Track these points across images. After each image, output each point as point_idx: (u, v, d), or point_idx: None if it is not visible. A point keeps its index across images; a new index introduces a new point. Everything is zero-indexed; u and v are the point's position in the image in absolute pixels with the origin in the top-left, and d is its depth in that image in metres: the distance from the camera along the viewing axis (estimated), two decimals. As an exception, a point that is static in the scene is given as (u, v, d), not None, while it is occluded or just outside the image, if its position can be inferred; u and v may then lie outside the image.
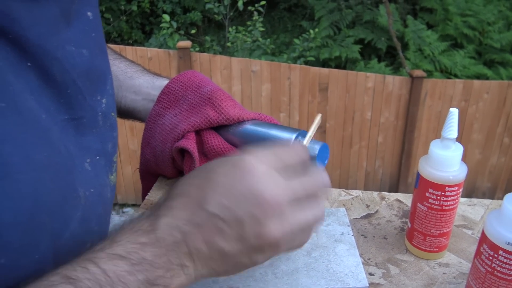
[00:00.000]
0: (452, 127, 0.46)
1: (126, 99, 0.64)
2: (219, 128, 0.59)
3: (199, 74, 0.64)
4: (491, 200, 0.62)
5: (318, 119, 0.49)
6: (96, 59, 0.41)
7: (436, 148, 0.47)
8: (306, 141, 0.49)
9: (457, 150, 0.47)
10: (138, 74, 0.66)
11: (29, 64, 0.34)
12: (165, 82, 0.64)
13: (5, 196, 0.29)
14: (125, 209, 3.68)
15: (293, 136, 0.54)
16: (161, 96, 0.62)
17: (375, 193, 0.64)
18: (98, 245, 0.34)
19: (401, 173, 3.66)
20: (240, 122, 0.58)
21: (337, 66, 4.41)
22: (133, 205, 3.74)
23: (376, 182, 3.74)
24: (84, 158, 0.40)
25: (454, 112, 0.46)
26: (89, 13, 0.41)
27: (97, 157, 0.42)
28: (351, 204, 0.62)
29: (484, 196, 3.74)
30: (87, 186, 0.39)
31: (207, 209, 0.35)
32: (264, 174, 0.35)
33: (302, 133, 0.55)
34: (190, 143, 0.57)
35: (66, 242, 0.36)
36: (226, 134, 0.59)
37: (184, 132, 0.58)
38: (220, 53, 4.27)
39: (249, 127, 0.58)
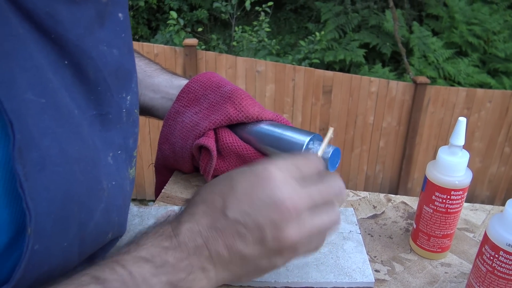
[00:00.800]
0: (460, 135, 0.49)
1: (145, 97, 0.66)
2: (237, 126, 0.62)
3: (218, 75, 0.66)
4: (492, 206, 0.65)
5: (331, 132, 0.51)
6: (124, 58, 0.44)
7: (443, 154, 0.50)
8: (320, 151, 0.51)
9: (464, 156, 0.50)
10: (156, 73, 0.68)
11: (66, 62, 0.36)
12: (183, 81, 0.67)
13: (42, 187, 0.31)
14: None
15: (307, 139, 0.56)
16: (181, 94, 0.64)
17: (382, 195, 0.67)
18: (124, 248, 0.36)
19: (401, 178, 3.68)
20: (258, 121, 0.61)
21: (341, 69, 4.44)
22: (133, 200, 3.77)
23: (376, 186, 3.76)
24: (108, 152, 0.42)
25: (462, 121, 0.48)
26: (120, 14, 0.43)
27: (119, 152, 0.44)
28: (359, 205, 0.64)
29: (483, 204, 3.77)
30: (110, 179, 0.41)
31: (228, 215, 0.36)
32: (282, 182, 0.37)
33: (316, 137, 0.57)
34: (209, 141, 0.59)
35: (91, 232, 0.39)
36: (242, 132, 0.62)
37: (205, 129, 0.60)
38: (226, 52, 4.29)
39: (265, 127, 0.60)
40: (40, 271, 0.33)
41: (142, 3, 5.19)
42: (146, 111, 0.67)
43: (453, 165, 0.49)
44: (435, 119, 3.47)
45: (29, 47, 0.32)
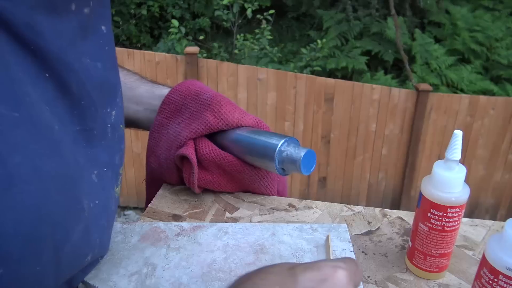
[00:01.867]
0: (456, 149, 0.46)
1: (128, 110, 0.65)
2: (217, 133, 0.61)
3: (198, 82, 0.65)
4: (493, 221, 0.62)
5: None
6: (108, 72, 0.42)
7: (439, 169, 0.47)
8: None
9: (460, 171, 0.47)
10: (137, 84, 0.67)
11: (47, 75, 0.34)
12: (164, 90, 0.66)
13: (7, 207, 0.29)
14: (126, 212, 3.69)
15: (280, 142, 0.56)
16: (162, 106, 0.63)
17: (377, 210, 0.64)
18: None
19: (404, 186, 3.64)
20: (237, 127, 0.60)
21: (343, 77, 4.42)
22: (135, 208, 3.75)
23: (378, 194, 3.73)
24: (92, 169, 0.40)
25: (458, 134, 0.46)
26: (103, 27, 0.41)
27: (105, 169, 0.43)
28: (353, 220, 0.62)
29: (487, 212, 3.72)
30: (92, 198, 0.39)
31: None
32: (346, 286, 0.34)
33: (291, 140, 0.57)
34: (189, 150, 0.58)
35: (67, 254, 0.36)
36: (222, 140, 0.62)
37: (186, 139, 0.60)
38: (227, 60, 4.29)
39: (241, 133, 0.60)
40: None
41: (144, 12, 5.22)
42: (131, 123, 0.66)
43: (449, 181, 0.47)
44: (438, 126, 3.44)
45: (6, 59, 0.31)
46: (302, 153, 0.54)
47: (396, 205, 3.73)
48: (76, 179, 0.36)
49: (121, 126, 0.46)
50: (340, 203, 0.65)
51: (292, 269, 0.34)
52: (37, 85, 0.33)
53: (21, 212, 0.30)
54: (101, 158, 0.42)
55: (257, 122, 0.61)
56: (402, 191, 3.67)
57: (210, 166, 0.61)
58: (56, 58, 0.34)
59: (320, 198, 3.64)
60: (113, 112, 0.43)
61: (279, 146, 0.56)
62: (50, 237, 0.33)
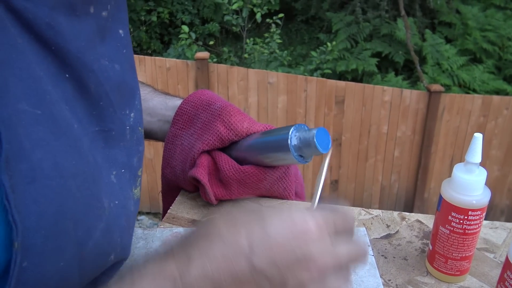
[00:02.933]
0: (476, 152, 0.46)
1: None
2: (230, 147, 0.62)
3: (209, 92, 0.66)
4: (513, 223, 0.62)
5: (327, 158, 0.47)
6: (126, 74, 0.43)
7: (459, 172, 0.47)
8: (314, 203, 0.45)
9: (481, 174, 0.47)
10: (150, 96, 0.68)
11: (67, 75, 0.35)
12: (177, 102, 0.67)
13: (31, 200, 0.30)
14: (139, 217, 3.72)
15: (290, 130, 0.56)
16: (176, 118, 0.65)
17: (395, 213, 0.64)
18: (118, 284, 0.32)
19: (417, 188, 3.61)
20: (248, 135, 0.61)
21: (354, 79, 4.41)
22: (147, 213, 3.77)
23: (391, 196, 3.70)
24: (111, 170, 0.41)
25: (478, 137, 0.46)
26: (120, 31, 0.42)
27: (123, 170, 0.43)
28: (371, 224, 0.62)
29: (502, 213, 3.67)
30: (112, 198, 0.40)
31: (255, 264, 0.31)
32: (319, 239, 0.34)
33: (298, 127, 0.57)
34: (199, 172, 0.59)
35: (90, 252, 0.37)
36: (236, 153, 0.62)
37: (199, 151, 0.61)
38: (237, 64, 4.30)
39: (252, 140, 0.60)
40: None
41: (154, 18, 5.27)
42: (146, 135, 0.67)
43: (469, 184, 0.47)
44: (451, 127, 3.41)
45: (27, 57, 0.32)
46: (314, 132, 0.54)
47: (409, 208, 3.70)
48: (95, 178, 0.37)
49: (140, 128, 0.46)
50: (352, 206, 0.65)
51: (261, 212, 0.33)
52: (57, 84, 0.34)
53: (44, 206, 0.31)
54: (120, 159, 0.43)
55: (266, 128, 0.62)
56: (415, 193, 3.64)
57: (230, 182, 0.60)
58: (75, 58, 0.35)
59: (332, 201, 3.62)
60: (132, 114, 0.44)
61: (290, 134, 0.56)
62: (72, 233, 0.34)
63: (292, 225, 0.33)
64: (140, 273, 0.32)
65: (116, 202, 0.41)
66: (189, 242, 0.33)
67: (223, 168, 0.60)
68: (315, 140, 0.53)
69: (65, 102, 0.35)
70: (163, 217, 0.66)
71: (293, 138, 0.56)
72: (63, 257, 0.33)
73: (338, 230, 0.36)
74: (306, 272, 0.33)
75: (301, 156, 0.57)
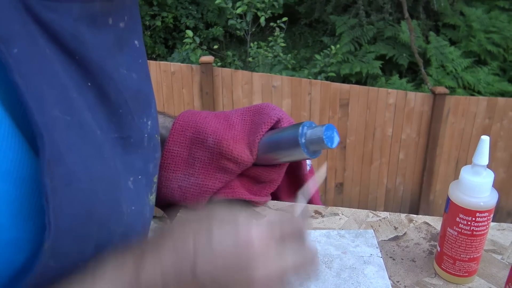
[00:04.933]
0: (483, 154, 0.47)
1: None
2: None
3: (189, 121, 0.64)
4: (520, 225, 0.62)
5: (323, 170, 0.47)
6: (143, 83, 0.44)
7: (467, 174, 0.48)
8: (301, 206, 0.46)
9: (488, 176, 0.48)
10: None
11: (89, 83, 0.37)
12: (165, 134, 0.65)
13: (67, 203, 0.31)
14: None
15: (299, 128, 0.60)
16: (166, 161, 0.63)
17: (403, 215, 0.64)
18: (78, 278, 0.33)
19: (422, 191, 3.60)
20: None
21: (358, 82, 4.41)
22: (153, 217, 3.78)
23: (397, 199, 3.69)
24: (128, 176, 0.42)
25: (485, 139, 0.46)
26: (136, 42, 0.44)
27: (139, 177, 0.44)
28: (379, 226, 0.62)
29: (508, 215, 3.65)
30: (130, 204, 0.41)
31: (197, 273, 0.33)
32: (262, 250, 0.34)
33: (307, 123, 0.60)
34: (241, 193, 0.63)
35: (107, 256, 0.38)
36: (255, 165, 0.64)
37: (216, 189, 0.62)
38: (242, 68, 4.32)
39: (263, 140, 0.62)
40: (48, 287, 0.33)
41: (159, 23, 5.30)
42: None
43: (477, 186, 0.47)
44: (456, 129, 3.40)
45: (55, 66, 0.33)
46: (323, 128, 0.58)
47: (414, 210, 3.68)
48: (116, 183, 0.38)
49: (156, 136, 0.47)
50: (358, 209, 0.66)
51: (212, 220, 0.34)
52: (81, 92, 0.36)
53: (76, 209, 0.32)
54: (137, 165, 0.44)
55: (261, 134, 0.62)
56: (421, 195, 3.63)
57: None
58: (97, 67, 0.37)
59: (337, 204, 3.62)
60: (149, 122, 0.45)
61: (300, 131, 0.59)
62: (96, 235, 0.35)
63: (236, 235, 0.34)
64: (100, 272, 0.33)
65: (133, 208, 0.42)
66: (148, 243, 0.35)
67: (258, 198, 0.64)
68: (323, 135, 0.57)
69: (88, 109, 0.36)
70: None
71: (303, 134, 0.59)
72: (83, 258, 0.34)
73: (285, 237, 0.36)
74: (248, 285, 0.33)
75: (311, 151, 0.60)
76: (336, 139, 0.59)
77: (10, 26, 0.30)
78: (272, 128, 0.63)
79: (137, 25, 0.45)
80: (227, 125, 0.63)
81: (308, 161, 0.69)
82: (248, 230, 0.34)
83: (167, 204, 0.66)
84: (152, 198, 0.48)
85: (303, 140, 0.59)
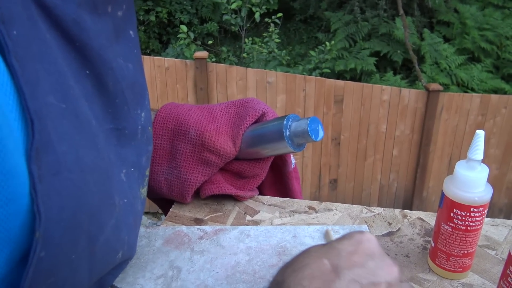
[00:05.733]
0: (478, 149, 0.46)
1: None
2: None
3: (172, 116, 0.63)
4: (514, 220, 0.62)
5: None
6: (138, 74, 0.44)
7: (461, 169, 0.48)
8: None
9: (483, 171, 0.47)
10: None
11: (87, 72, 0.36)
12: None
13: (55, 192, 0.31)
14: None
15: (284, 120, 0.59)
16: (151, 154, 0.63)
17: (397, 211, 0.64)
18: None
19: (416, 187, 3.62)
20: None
21: (352, 78, 4.42)
22: (146, 213, 3.77)
23: (390, 195, 3.71)
24: (121, 168, 0.42)
25: (480, 134, 0.46)
26: (131, 32, 0.43)
27: (132, 169, 0.44)
28: (373, 221, 0.62)
29: (500, 212, 3.68)
30: (122, 196, 0.41)
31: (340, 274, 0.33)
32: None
33: (292, 116, 0.60)
34: (227, 188, 0.62)
35: (100, 248, 0.37)
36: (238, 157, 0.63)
37: (200, 182, 0.61)
38: (236, 64, 4.30)
39: (248, 133, 0.61)
40: (46, 282, 0.32)
41: (153, 18, 5.27)
42: None
43: (472, 181, 0.47)
44: (449, 126, 3.41)
45: (54, 52, 0.32)
46: (307, 121, 0.58)
47: (408, 206, 3.70)
48: (109, 175, 0.38)
49: (149, 128, 0.47)
50: (352, 204, 0.66)
51: (326, 246, 0.35)
52: (79, 80, 0.35)
53: (66, 199, 0.32)
54: (130, 158, 0.43)
55: (245, 126, 0.62)
56: (414, 192, 3.65)
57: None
58: (97, 55, 0.36)
59: (332, 200, 3.63)
60: (143, 114, 0.45)
61: (284, 124, 0.59)
62: (86, 227, 0.34)
63: (357, 242, 0.35)
64: None
65: (125, 200, 0.41)
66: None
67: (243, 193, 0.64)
68: (308, 128, 0.57)
69: (85, 98, 0.36)
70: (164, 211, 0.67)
71: (288, 127, 0.59)
72: (75, 251, 0.34)
73: None
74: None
75: (295, 144, 0.60)
76: (321, 133, 0.59)
77: (11, 8, 0.29)
78: (256, 122, 0.62)
79: (132, 15, 0.44)
80: (210, 117, 0.62)
81: (292, 159, 0.68)
82: (364, 239, 0.36)
83: (157, 197, 0.66)
84: (144, 191, 0.47)
85: (287, 133, 0.58)
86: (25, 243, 0.31)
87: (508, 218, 3.57)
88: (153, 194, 0.65)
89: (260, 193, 0.69)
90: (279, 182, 0.69)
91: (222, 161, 0.61)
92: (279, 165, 0.68)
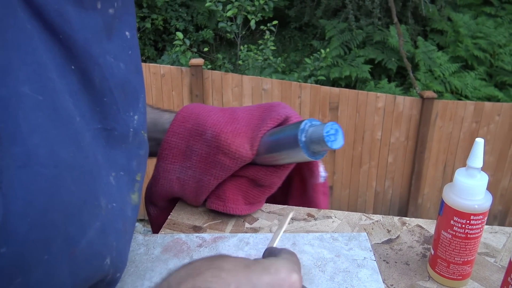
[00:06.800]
0: (477, 157, 0.47)
1: None
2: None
3: (191, 114, 0.62)
4: (512, 227, 0.62)
5: (289, 217, 0.44)
6: (131, 75, 0.43)
7: (461, 176, 0.48)
8: (274, 241, 0.42)
9: (483, 179, 0.48)
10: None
11: (73, 67, 0.35)
12: (166, 124, 0.64)
13: (20, 185, 0.29)
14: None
15: (299, 127, 0.53)
16: (163, 152, 0.62)
17: (396, 218, 0.64)
18: None
19: (411, 194, 3.63)
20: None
21: (347, 86, 4.44)
22: (141, 220, 3.75)
23: (385, 202, 3.71)
24: (110, 171, 0.40)
25: (480, 142, 0.46)
26: (127, 33, 0.43)
27: (122, 173, 0.42)
28: (372, 229, 0.62)
29: (495, 219, 3.70)
30: (110, 199, 0.39)
31: None
32: None
33: (309, 121, 0.54)
34: (240, 209, 0.61)
35: (83, 251, 0.35)
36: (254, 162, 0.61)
37: (213, 185, 0.60)
38: (232, 71, 4.31)
39: (263, 140, 0.58)
40: (14, 282, 0.30)
41: (148, 25, 5.27)
42: None
43: (471, 188, 0.47)
44: (444, 133, 3.43)
45: (35, 43, 0.32)
46: (324, 127, 0.51)
47: (403, 213, 3.71)
48: (94, 176, 0.36)
49: (143, 132, 0.46)
50: (347, 211, 0.65)
51: (248, 268, 0.31)
52: (63, 75, 0.34)
53: (33, 193, 0.30)
54: (119, 161, 0.42)
55: (264, 129, 0.59)
56: (409, 199, 3.66)
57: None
58: (82, 49, 0.36)
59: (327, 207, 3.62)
60: (136, 117, 0.44)
61: (300, 128, 0.53)
62: (63, 227, 0.33)
63: (278, 278, 0.31)
64: None
65: (114, 204, 0.40)
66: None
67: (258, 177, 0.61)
68: (324, 134, 0.51)
69: (69, 94, 0.35)
70: (153, 229, 0.65)
71: (304, 132, 0.53)
72: (49, 251, 0.32)
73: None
74: None
75: (311, 151, 0.54)
76: (340, 141, 0.51)
77: None
78: (279, 126, 0.59)
79: (129, 16, 0.44)
80: (230, 118, 0.59)
81: (322, 171, 0.64)
82: (289, 278, 0.32)
83: (168, 197, 0.65)
84: (135, 197, 0.46)
85: (303, 138, 0.53)
86: None
87: (503, 225, 3.59)
88: (163, 193, 0.64)
89: (285, 203, 0.67)
90: (305, 194, 0.66)
91: (236, 165, 0.58)
92: (305, 176, 0.65)
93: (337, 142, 0.51)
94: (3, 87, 0.28)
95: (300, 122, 0.54)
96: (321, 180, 0.64)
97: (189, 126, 0.61)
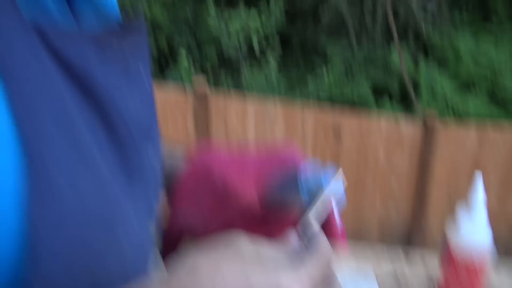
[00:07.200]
0: (478, 192, 0.47)
1: None
2: None
3: (205, 167, 0.57)
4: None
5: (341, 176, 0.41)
6: (148, 112, 0.44)
7: (462, 215, 0.48)
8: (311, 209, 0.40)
9: (482, 216, 0.48)
10: None
11: (99, 120, 0.36)
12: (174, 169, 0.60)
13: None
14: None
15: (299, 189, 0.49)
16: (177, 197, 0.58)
17: (400, 250, 0.64)
18: None
19: (415, 220, 3.58)
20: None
21: (348, 103, 4.45)
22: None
23: (390, 229, 3.64)
24: (128, 205, 0.41)
25: (478, 175, 0.47)
26: (140, 64, 0.43)
27: (141, 209, 0.43)
28: (377, 260, 0.62)
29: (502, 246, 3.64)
30: (128, 234, 0.39)
31: None
32: None
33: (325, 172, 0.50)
34: None
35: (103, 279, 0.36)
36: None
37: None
38: (234, 89, 4.34)
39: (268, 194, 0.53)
40: None
41: (151, 44, 5.33)
42: None
43: (473, 227, 0.48)
44: (447, 159, 3.41)
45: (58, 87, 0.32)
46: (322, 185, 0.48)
47: (408, 240, 3.65)
48: (114, 210, 0.37)
49: (159, 166, 0.47)
50: (351, 237, 0.65)
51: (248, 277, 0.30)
52: (83, 108, 0.35)
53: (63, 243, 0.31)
54: (139, 196, 0.42)
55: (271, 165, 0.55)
56: (414, 225, 3.61)
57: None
58: (108, 100, 0.36)
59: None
60: (153, 152, 0.45)
61: (300, 192, 0.49)
62: (90, 266, 0.33)
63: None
64: None
65: (133, 239, 0.40)
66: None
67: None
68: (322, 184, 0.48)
69: (89, 131, 0.35)
70: None
71: (305, 193, 0.50)
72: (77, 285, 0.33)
73: (318, 284, 0.32)
74: None
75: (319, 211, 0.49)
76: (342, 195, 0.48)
77: (22, 56, 0.29)
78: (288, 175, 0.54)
79: (141, 51, 0.43)
80: (239, 170, 0.55)
81: (338, 222, 0.60)
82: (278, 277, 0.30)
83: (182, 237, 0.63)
84: (152, 228, 0.46)
85: (304, 198, 0.49)
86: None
87: (506, 250, 3.54)
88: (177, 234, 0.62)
89: None
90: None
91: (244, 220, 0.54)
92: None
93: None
94: (36, 145, 0.29)
95: (296, 180, 0.50)
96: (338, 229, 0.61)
97: (200, 176, 0.56)
